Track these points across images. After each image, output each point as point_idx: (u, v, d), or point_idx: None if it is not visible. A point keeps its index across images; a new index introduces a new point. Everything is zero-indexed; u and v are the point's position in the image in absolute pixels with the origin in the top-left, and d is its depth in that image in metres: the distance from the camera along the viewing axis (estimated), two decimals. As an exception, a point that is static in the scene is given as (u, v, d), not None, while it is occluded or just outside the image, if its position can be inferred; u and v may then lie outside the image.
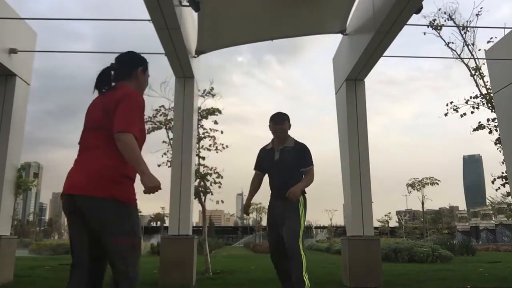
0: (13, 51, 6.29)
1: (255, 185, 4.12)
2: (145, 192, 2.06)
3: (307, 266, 3.56)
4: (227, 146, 8.48)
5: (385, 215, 67.43)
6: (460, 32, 10.14)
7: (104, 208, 2.04)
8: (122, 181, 2.12)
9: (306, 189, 3.80)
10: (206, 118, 8.37)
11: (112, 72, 2.35)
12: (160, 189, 2.08)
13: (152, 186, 2.03)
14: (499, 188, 9.37)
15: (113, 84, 2.34)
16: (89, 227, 2.08)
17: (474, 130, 9.92)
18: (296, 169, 3.81)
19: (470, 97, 10.01)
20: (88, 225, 2.08)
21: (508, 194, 8.87)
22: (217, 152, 8.38)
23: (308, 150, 3.89)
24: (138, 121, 2.17)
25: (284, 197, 3.68)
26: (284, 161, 3.83)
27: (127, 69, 2.37)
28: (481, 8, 9.89)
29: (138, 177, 2.13)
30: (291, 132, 3.97)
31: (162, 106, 8.44)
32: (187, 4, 5.13)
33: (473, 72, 9.98)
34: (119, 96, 2.17)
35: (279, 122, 3.89)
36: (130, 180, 2.18)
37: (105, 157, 2.12)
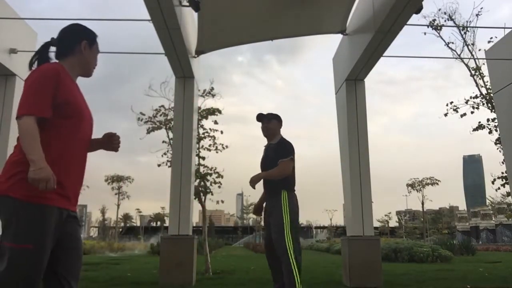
0: (13, 51, 6.29)
1: None
2: (32, 183, 1.68)
3: (299, 266, 3.52)
4: (227, 146, 8.48)
5: (385, 215, 67.50)
6: (460, 32, 10.15)
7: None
8: (23, 175, 1.73)
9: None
10: (206, 118, 8.37)
11: (55, 48, 2.04)
12: (50, 185, 1.69)
13: (38, 177, 1.66)
14: (499, 188, 9.38)
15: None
16: None
17: (474, 130, 9.92)
18: (275, 164, 3.79)
19: (470, 97, 10.02)
20: None
21: (508, 194, 8.87)
22: (217, 152, 8.39)
23: (285, 144, 3.89)
24: (39, 95, 1.79)
25: (269, 194, 3.79)
26: (266, 158, 3.92)
27: (68, 44, 2.02)
28: (481, 8, 9.91)
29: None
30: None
31: (162, 106, 8.45)
32: (187, 4, 5.13)
33: (473, 72, 9.99)
34: (27, 77, 1.87)
35: (264, 121, 4.00)
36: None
37: (15, 152, 1.85)
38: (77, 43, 2.03)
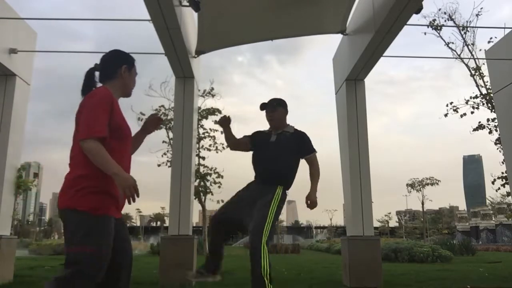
0: (13, 51, 6.29)
1: (234, 139, 3.74)
2: (125, 195, 1.96)
3: (270, 266, 3.15)
4: (227, 146, 8.48)
5: (385, 215, 67.54)
6: (460, 32, 10.16)
7: (66, 219, 2.02)
8: (93, 191, 2.01)
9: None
10: (206, 118, 8.40)
11: (97, 73, 2.29)
12: (136, 187, 1.96)
13: (126, 185, 1.94)
14: (499, 188, 9.39)
15: (98, 86, 2.27)
16: None
17: (474, 130, 9.93)
18: (290, 155, 3.52)
19: (470, 97, 10.02)
20: None
21: (508, 194, 8.89)
22: (217, 152, 8.41)
23: (308, 136, 3.63)
24: (100, 119, 2.03)
25: (265, 181, 3.44)
26: (280, 144, 3.53)
27: (110, 69, 2.27)
28: (481, 8, 9.91)
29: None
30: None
31: (162, 106, 8.48)
32: (187, 4, 5.13)
33: (473, 72, 9.99)
34: (83, 101, 2.12)
35: (269, 109, 3.63)
36: (105, 189, 2.05)
37: (75, 166, 2.07)
38: (118, 67, 2.26)
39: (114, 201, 2.09)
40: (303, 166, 3.67)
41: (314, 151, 3.60)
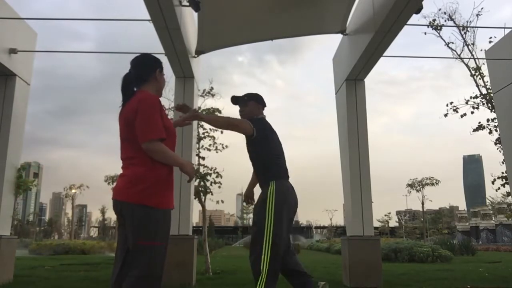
0: (13, 51, 6.29)
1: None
2: (189, 179, 2.30)
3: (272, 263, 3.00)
4: (227, 146, 8.48)
5: (385, 215, 67.40)
6: (460, 32, 10.15)
7: (133, 213, 2.16)
8: (153, 187, 2.19)
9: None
10: (206, 118, 8.37)
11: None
12: (194, 173, 2.37)
13: (192, 170, 2.30)
14: (499, 188, 9.38)
15: (135, 90, 2.41)
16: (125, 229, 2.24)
17: (474, 130, 9.92)
18: (254, 147, 3.28)
19: (470, 97, 10.02)
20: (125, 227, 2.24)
21: (508, 194, 8.88)
22: (217, 152, 8.38)
23: (252, 119, 3.31)
24: (158, 122, 2.23)
25: (261, 187, 3.26)
26: (247, 142, 3.37)
27: (146, 73, 2.42)
28: (482, 8, 9.91)
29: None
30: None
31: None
32: (187, 4, 5.13)
33: (473, 72, 9.99)
34: (135, 106, 2.25)
35: (240, 104, 3.46)
36: (165, 185, 2.25)
37: (138, 165, 2.22)
38: (153, 71, 2.42)
39: (171, 195, 2.33)
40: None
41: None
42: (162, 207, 2.20)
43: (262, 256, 2.95)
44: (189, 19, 5.87)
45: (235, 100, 3.51)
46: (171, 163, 2.26)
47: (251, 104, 3.42)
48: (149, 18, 4.98)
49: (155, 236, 2.14)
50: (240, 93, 3.59)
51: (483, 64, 9.56)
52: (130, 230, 2.15)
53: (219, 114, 8.39)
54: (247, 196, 3.61)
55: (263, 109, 3.49)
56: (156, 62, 2.48)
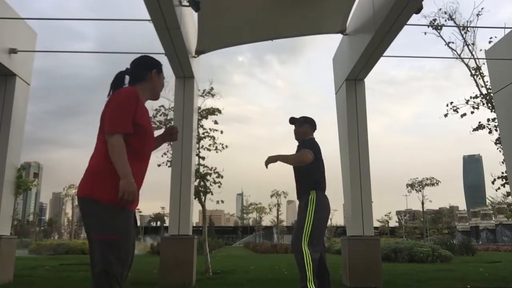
0: (13, 51, 6.29)
1: None
2: (119, 195, 2.03)
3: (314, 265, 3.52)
4: (227, 146, 8.48)
5: (385, 215, 67.45)
6: (460, 32, 10.15)
7: (84, 207, 2.12)
8: (108, 181, 2.08)
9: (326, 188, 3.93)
10: (206, 118, 8.37)
11: (127, 76, 2.41)
12: (134, 197, 2.06)
13: (129, 189, 2.03)
14: (499, 188, 9.37)
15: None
16: None
17: (474, 130, 9.92)
18: (298, 169, 3.90)
19: (470, 97, 10.02)
20: None
21: (508, 194, 8.87)
22: (217, 152, 8.38)
23: (307, 141, 3.97)
24: (126, 115, 2.14)
25: (299, 194, 3.92)
26: None
27: (140, 72, 2.40)
28: (482, 8, 9.91)
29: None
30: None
31: (162, 106, 8.44)
32: (187, 4, 5.13)
33: (473, 72, 9.99)
34: (110, 97, 2.24)
35: (296, 124, 4.09)
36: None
37: (98, 159, 2.16)
38: (148, 71, 2.39)
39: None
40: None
41: (302, 149, 3.89)
42: (112, 204, 2.06)
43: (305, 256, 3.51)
44: (189, 19, 5.87)
45: (292, 120, 4.10)
46: (116, 166, 2.06)
47: (306, 126, 4.01)
48: (149, 18, 4.98)
49: (109, 229, 2.05)
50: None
51: (483, 64, 9.56)
52: (84, 224, 2.12)
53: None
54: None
55: (314, 131, 4.08)
56: (154, 63, 2.46)
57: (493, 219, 59.14)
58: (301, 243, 3.51)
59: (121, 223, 2.10)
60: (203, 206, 8.10)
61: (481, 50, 9.90)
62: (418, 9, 4.79)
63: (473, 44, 10.09)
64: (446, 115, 10.38)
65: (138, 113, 2.19)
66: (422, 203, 38.81)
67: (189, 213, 6.20)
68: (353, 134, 6.47)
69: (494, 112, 8.48)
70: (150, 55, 2.55)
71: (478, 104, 9.85)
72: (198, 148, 8.08)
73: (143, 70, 2.40)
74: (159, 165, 8.12)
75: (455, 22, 10.27)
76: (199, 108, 8.14)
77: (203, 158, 8.22)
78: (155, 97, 2.47)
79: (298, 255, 3.51)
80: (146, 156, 2.31)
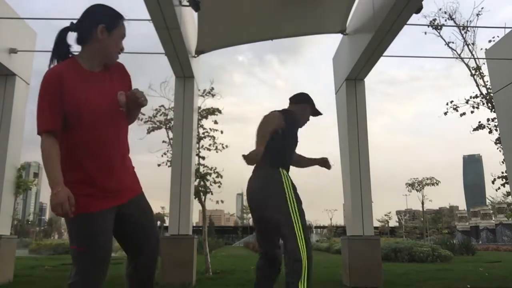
0: (13, 51, 6.29)
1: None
2: (52, 210, 1.72)
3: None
4: (227, 146, 8.48)
5: (385, 215, 67.49)
6: (460, 32, 10.16)
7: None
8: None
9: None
10: (206, 118, 8.38)
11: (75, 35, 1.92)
12: (66, 208, 1.69)
13: (52, 204, 1.69)
14: (499, 188, 9.38)
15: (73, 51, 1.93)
16: None
17: (474, 129, 9.92)
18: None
19: (470, 97, 10.02)
20: None
21: (508, 194, 8.88)
22: (217, 152, 8.39)
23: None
24: (46, 111, 1.76)
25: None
26: None
27: (85, 29, 1.88)
28: (482, 8, 9.91)
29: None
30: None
31: (162, 106, 8.45)
32: (187, 4, 5.13)
33: (473, 72, 9.99)
34: None
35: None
36: (76, 188, 1.78)
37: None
38: (93, 28, 1.86)
39: (94, 192, 1.84)
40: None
41: None
42: (78, 212, 1.77)
43: (299, 242, 2.69)
44: (189, 19, 5.87)
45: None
46: (45, 172, 1.74)
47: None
48: (149, 18, 4.97)
49: (72, 239, 1.84)
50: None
51: (483, 63, 9.56)
52: None
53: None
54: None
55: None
56: (102, 17, 1.89)
57: (493, 219, 59.17)
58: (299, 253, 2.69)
59: (84, 234, 1.82)
60: (203, 206, 8.10)
61: (482, 49, 9.91)
62: (418, 9, 4.79)
63: (473, 44, 10.10)
64: (446, 113, 10.38)
65: (66, 97, 1.78)
66: (422, 203, 38.85)
67: (189, 213, 6.20)
68: (353, 134, 6.46)
69: (494, 112, 8.48)
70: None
71: (478, 104, 9.85)
72: (198, 148, 8.08)
73: (88, 27, 1.87)
74: (159, 165, 8.13)
75: (455, 22, 10.28)
76: (199, 108, 8.14)
77: (203, 158, 8.22)
78: (109, 60, 1.95)
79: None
80: (98, 143, 1.85)
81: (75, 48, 1.96)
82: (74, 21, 1.93)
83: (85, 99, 1.82)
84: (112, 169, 1.89)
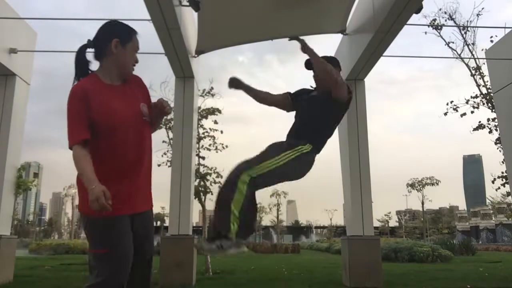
0: (13, 51, 6.29)
1: (258, 91, 3.13)
2: (90, 207, 1.78)
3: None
4: (227, 146, 8.49)
5: (385, 215, 67.51)
6: (460, 32, 10.16)
7: (82, 223, 2.02)
8: (85, 194, 1.85)
9: None
10: (206, 118, 8.38)
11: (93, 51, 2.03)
12: (101, 202, 1.74)
13: (90, 200, 1.75)
14: (499, 188, 9.38)
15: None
16: None
17: (474, 129, 9.93)
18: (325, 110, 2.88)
19: (471, 97, 10.02)
20: None
21: (508, 194, 8.88)
22: (217, 152, 8.39)
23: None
24: (72, 123, 1.87)
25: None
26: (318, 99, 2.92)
27: (101, 45, 1.98)
28: (482, 8, 9.92)
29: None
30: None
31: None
32: (187, 4, 5.13)
33: (473, 72, 9.99)
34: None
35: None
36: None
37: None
38: (108, 42, 1.96)
39: (119, 197, 1.90)
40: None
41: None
42: (92, 214, 1.84)
43: None
44: (189, 19, 5.87)
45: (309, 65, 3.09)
46: (81, 178, 1.83)
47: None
48: (149, 18, 4.97)
49: (95, 242, 1.91)
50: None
51: (483, 64, 9.56)
52: None
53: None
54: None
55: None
56: (115, 30, 2.00)
57: (493, 219, 59.18)
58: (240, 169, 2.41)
59: (109, 235, 1.89)
60: (203, 206, 8.10)
61: (482, 49, 9.92)
62: (418, 9, 4.79)
63: (473, 44, 10.10)
64: (446, 114, 10.39)
65: (92, 109, 1.87)
66: (422, 203, 38.85)
67: (189, 213, 6.20)
68: (353, 134, 6.47)
69: (494, 112, 8.48)
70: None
71: (478, 104, 9.86)
72: (198, 148, 8.08)
73: (102, 42, 1.97)
74: (159, 165, 8.13)
75: (455, 22, 10.27)
76: (199, 108, 8.15)
77: (203, 158, 8.23)
78: (124, 74, 2.03)
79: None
80: (119, 150, 1.93)
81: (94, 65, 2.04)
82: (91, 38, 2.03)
83: (111, 110, 1.92)
84: (137, 176, 1.98)
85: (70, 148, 1.86)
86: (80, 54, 2.00)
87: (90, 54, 2.03)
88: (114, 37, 1.96)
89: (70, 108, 1.88)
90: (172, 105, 7.70)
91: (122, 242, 1.90)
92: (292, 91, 3.11)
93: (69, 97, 1.89)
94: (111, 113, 1.91)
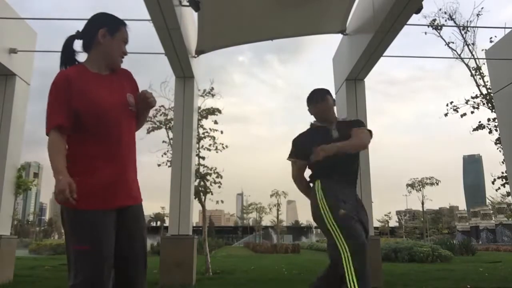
0: (13, 51, 6.29)
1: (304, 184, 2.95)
2: (55, 198, 1.72)
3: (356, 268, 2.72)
4: (227, 146, 8.49)
5: (385, 215, 67.59)
6: (460, 32, 10.16)
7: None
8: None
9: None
10: (206, 118, 8.38)
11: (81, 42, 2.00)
12: (66, 195, 1.67)
13: (55, 192, 1.69)
14: (499, 188, 9.39)
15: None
16: None
17: (474, 130, 9.93)
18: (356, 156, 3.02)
19: (471, 97, 10.03)
20: None
21: (508, 194, 8.88)
22: (217, 152, 8.39)
23: (353, 121, 3.03)
24: (51, 109, 1.82)
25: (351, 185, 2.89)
26: (346, 137, 2.80)
27: (88, 35, 1.96)
28: (482, 8, 9.92)
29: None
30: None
31: (162, 106, 8.45)
32: (187, 4, 5.13)
33: (473, 72, 10.00)
34: None
35: (319, 99, 2.93)
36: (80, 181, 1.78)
37: None
38: (95, 32, 1.93)
39: (101, 190, 1.83)
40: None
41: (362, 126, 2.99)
42: (72, 207, 1.76)
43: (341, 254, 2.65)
44: (189, 19, 5.87)
45: (315, 95, 3.02)
46: (51, 165, 1.76)
47: (329, 98, 2.94)
48: (149, 18, 4.98)
49: (73, 238, 1.81)
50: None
51: (483, 64, 9.57)
52: None
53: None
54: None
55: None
56: (102, 21, 1.98)
57: (493, 219, 59.16)
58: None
59: (86, 228, 1.79)
60: (203, 206, 8.10)
61: (483, 50, 9.92)
62: (418, 9, 4.79)
63: (473, 44, 10.11)
64: (446, 115, 10.40)
65: (75, 96, 1.82)
66: (422, 203, 38.87)
67: (189, 213, 6.20)
68: (353, 134, 6.45)
69: (494, 112, 8.48)
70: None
71: (478, 104, 9.86)
72: (198, 148, 8.08)
73: (90, 33, 1.95)
74: (159, 165, 8.13)
75: (455, 22, 10.29)
76: (199, 108, 8.14)
77: (203, 158, 8.22)
78: (112, 64, 2.00)
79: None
80: (110, 142, 1.88)
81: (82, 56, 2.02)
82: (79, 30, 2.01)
83: (96, 98, 1.87)
84: (124, 169, 1.91)
85: (47, 135, 1.81)
86: (67, 43, 1.98)
87: (80, 52, 2.01)
88: (102, 27, 1.94)
89: (50, 95, 1.84)
90: (171, 105, 7.71)
91: (104, 238, 1.80)
92: (295, 154, 2.94)
93: (51, 85, 1.85)
94: (96, 100, 1.86)
